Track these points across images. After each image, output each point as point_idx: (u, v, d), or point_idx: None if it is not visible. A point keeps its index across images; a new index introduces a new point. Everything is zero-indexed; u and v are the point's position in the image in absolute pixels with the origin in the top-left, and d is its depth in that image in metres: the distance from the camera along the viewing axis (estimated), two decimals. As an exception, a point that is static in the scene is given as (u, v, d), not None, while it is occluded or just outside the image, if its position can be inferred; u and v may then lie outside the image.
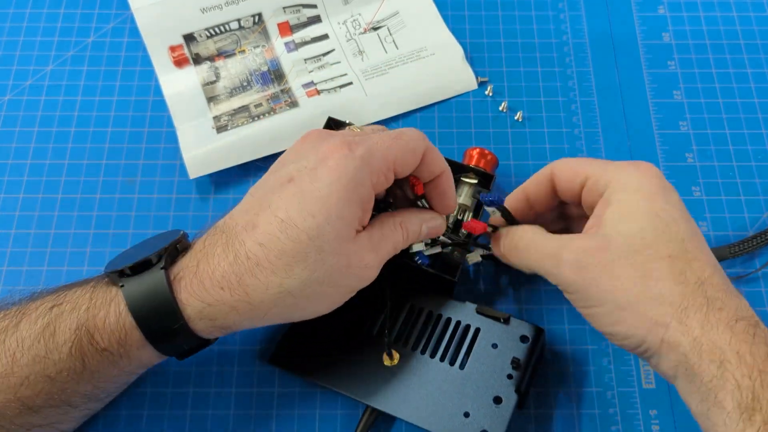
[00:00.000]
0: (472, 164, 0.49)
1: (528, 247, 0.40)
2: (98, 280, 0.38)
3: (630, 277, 0.35)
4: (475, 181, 0.47)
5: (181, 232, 0.39)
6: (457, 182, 0.47)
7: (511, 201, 0.44)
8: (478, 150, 0.49)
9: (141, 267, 0.37)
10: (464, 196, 0.47)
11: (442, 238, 0.44)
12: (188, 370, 0.45)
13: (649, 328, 0.34)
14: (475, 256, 0.44)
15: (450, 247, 0.45)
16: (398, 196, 0.43)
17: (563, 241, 0.38)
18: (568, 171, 0.41)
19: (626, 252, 0.35)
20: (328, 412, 0.44)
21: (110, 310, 0.36)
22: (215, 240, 0.37)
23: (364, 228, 0.38)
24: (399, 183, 0.41)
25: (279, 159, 0.40)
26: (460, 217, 0.46)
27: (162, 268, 0.36)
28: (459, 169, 0.47)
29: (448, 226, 0.44)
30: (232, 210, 0.39)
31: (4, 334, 0.36)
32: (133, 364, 0.37)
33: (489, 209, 0.42)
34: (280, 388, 0.45)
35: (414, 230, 0.40)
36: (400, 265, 0.44)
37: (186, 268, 0.37)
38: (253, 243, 0.36)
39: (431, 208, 0.42)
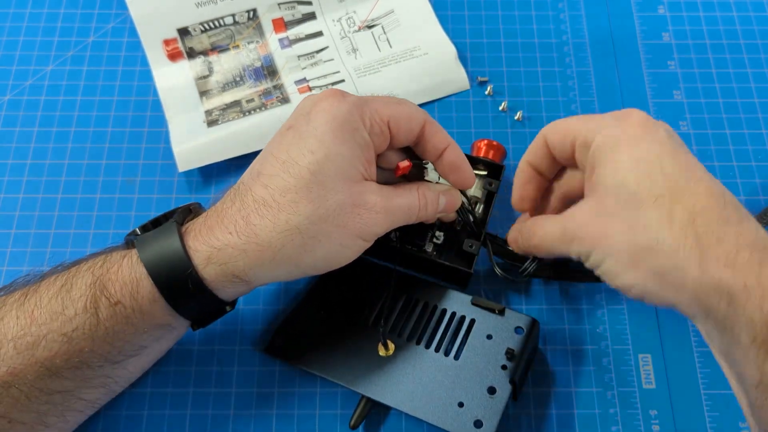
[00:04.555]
0: (481, 156, 0.49)
1: (539, 232, 0.40)
2: (116, 245, 0.39)
3: (621, 231, 0.35)
4: (484, 173, 0.47)
5: (196, 202, 0.41)
6: None
7: (519, 175, 0.44)
8: (485, 141, 0.50)
9: (154, 225, 0.38)
10: (474, 188, 0.47)
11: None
12: (188, 370, 0.45)
13: (648, 277, 0.34)
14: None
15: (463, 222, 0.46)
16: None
17: (563, 219, 0.39)
18: (558, 134, 0.41)
19: (615, 208, 0.35)
20: (328, 412, 0.44)
21: (123, 263, 0.37)
22: (225, 196, 0.39)
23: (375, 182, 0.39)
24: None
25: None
26: (471, 209, 0.46)
27: (173, 221, 0.38)
28: (468, 162, 0.47)
29: (467, 208, 0.45)
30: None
31: (24, 297, 0.37)
32: (146, 321, 0.37)
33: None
34: (280, 388, 0.45)
35: (431, 199, 0.41)
36: (415, 257, 0.45)
37: (196, 222, 0.38)
38: (259, 186, 0.37)
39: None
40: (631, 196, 0.35)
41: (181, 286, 0.36)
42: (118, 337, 0.37)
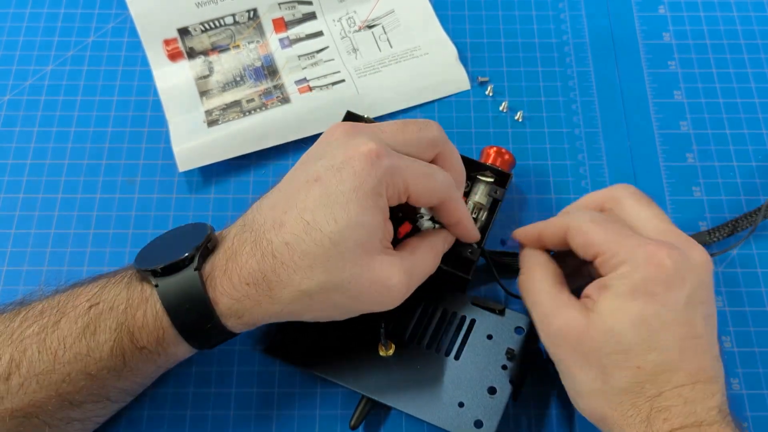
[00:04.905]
0: (489, 162, 0.49)
1: (529, 292, 0.40)
2: (131, 277, 0.38)
3: (593, 373, 0.36)
4: (491, 180, 0.47)
5: (209, 227, 0.39)
6: (473, 180, 0.47)
7: (525, 235, 0.43)
8: (495, 149, 0.50)
9: (174, 268, 0.37)
10: (480, 195, 0.47)
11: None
12: (188, 371, 0.45)
13: (597, 420, 0.37)
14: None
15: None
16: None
17: (558, 305, 0.37)
18: (581, 239, 0.38)
19: (599, 351, 0.35)
20: (328, 412, 0.44)
21: (147, 309, 0.37)
22: (244, 238, 0.37)
23: (393, 247, 0.39)
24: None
25: (308, 152, 0.40)
26: (474, 216, 0.46)
27: (195, 270, 0.37)
28: (475, 167, 0.48)
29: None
30: (259, 202, 0.39)
31: (44, 332, 0.36)
32: (169, 359, 0.39)
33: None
34: (279, 388, 0.45)
35: (440, 252, 0.42)
36: None
37: (217, 267, 0.37)
38: (280, 242, 0.36)
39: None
40: (618, 351, 0.35)
41: (205, 331, 0.37)
42: (141, 374, 0.39)
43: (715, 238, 0.49)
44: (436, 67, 0.56)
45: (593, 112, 0.55)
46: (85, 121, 0.54)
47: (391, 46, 0.57)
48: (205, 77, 0.56)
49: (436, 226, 0.43)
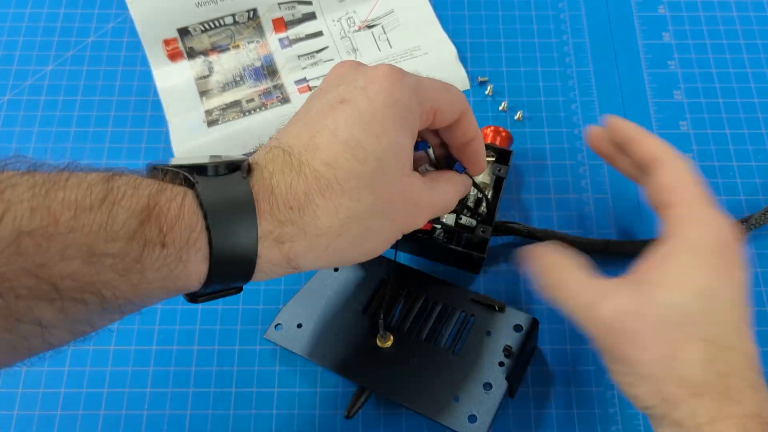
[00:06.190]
0: (488, 142, 0.49)
1: (561, 286, 0.37)
2: (156, 173, 0.31)
3: (659, 352, 0.33)
4: (493, 159, 0.48)
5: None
6: None
7: (601, 135, 0.43)
8: (492, 128, 0.50)
9: (218, 169, 0.31)
10: (483, 174, 0.47)
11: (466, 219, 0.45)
12: (188, 371, 0.45)
13: (659, 401, 0.33)
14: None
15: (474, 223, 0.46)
16: (439, 156, 0.42)
17: (602, 291, 0.35)
18: (669, 179, 0.37)
19: (663, 325, 0.33)
20: (328, 412, 0.44)
21: (183, 203, 0.29)
22: (279, 159, 0.33)
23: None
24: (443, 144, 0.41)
25: (319, 86, 0.37)
26: (480, 195, 0.46)
27: (243, 177, 0.31)
28: None
29: (467, 205, 0.46)
30: (277, 135, 0.35)
31: (42, 190, 0.27)
32: (179, 280, 0.30)
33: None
34: (279, 388, 0.45)
35: (459, 189, 0.40)
36: (427, 244, 0.46)
37: (259, 182, 0.32)
38: (320, 163, 0.32)
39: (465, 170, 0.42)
40: (684, 325, 0.33)
41: (236, 255, 0.31)
42: (138, 288, 0.29)
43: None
44: (436, 67, 0.56)
45: (593, 112, 0.55)
46: (85, 121, 0.54)
47: (390, 46, 0.57)
48: (205, 77, 0.56)
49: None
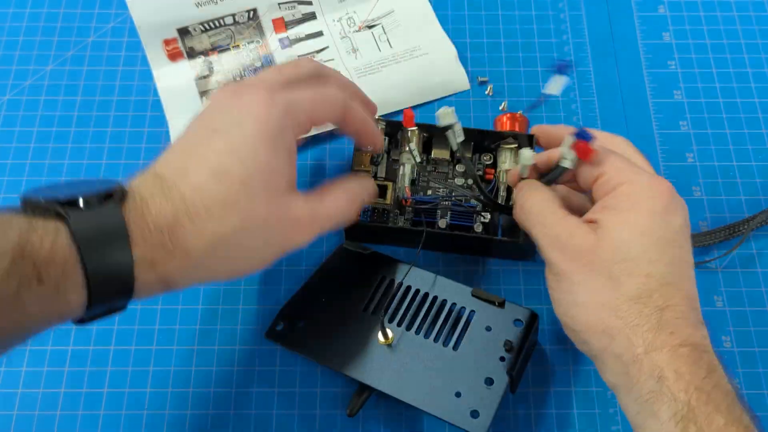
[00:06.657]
0: (507, 129, 0.49)
1: (535, 214, 0.40)
2: (25, 210, 0.33)
3: (602, 282, 0.36)
4: (515, 146, 0.47)
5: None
6: (498, 150, 0.48)
7: (543, 131, 0.46)
8: (508, 115, 0.51)
9: (89, 202, 0.32)
10: (509, 162, 0.47)
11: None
12: (188, 371, 0.45)
13: (596, 332, 0.36)
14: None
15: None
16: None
17: (568, 226, 0.38)
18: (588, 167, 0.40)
19: (610, 258, 0.36)
20: (329, 412, 0.44)
21: (54, 239, 0.31)
22: (150, 183, 0.35)
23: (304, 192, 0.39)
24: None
25: (199, 114, 0.39)
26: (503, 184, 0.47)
27: (116, 204, 0.33)
28: (495, 138, 0.48)
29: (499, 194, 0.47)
30: (155, 160, 0.36)
31: None
32: (61, 309, 0.32)
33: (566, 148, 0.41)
34: (279, 388, 0.45)
35: (355, 195, 0.42)
36: (467, 240, 0.46)
37: (132, 209, 0.33)
38: (188, 188, 0.34)
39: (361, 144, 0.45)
40: (629, 260, 0.36)
41: (112, 281, 0.32)
42: (22, 319, 0.31)
43: (702, 243, 0.49)
44: (436, 67, 0.56)
45: (593, 112, 0.55)
46: (85, 121, 0.54)
47: (390, 47, 0.57)
48: (205, 77, 0.56)
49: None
